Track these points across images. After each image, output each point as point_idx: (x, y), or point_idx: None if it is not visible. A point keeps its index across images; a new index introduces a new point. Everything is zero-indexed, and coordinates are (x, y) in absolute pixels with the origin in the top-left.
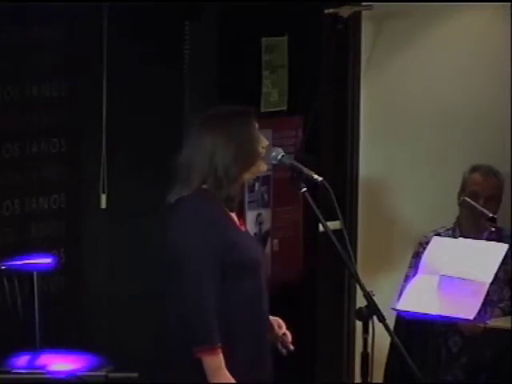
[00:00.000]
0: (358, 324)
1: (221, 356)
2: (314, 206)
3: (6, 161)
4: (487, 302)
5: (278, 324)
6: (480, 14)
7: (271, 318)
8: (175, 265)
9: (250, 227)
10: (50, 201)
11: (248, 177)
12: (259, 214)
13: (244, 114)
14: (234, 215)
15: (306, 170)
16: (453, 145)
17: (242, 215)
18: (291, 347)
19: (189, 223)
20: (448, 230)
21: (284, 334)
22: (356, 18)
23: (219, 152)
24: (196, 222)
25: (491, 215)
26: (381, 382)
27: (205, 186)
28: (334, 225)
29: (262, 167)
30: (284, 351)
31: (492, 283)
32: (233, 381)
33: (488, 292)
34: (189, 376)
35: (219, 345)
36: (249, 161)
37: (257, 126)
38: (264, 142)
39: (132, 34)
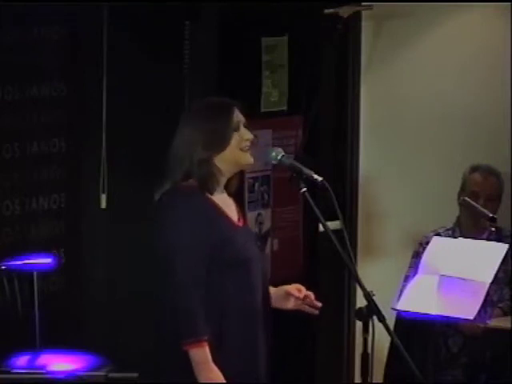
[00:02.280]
0: (358, 324)
1: (207, 350)
2: (314, 206)
3: (6, 161)
4: (487, 302)
5: (297, 288)
6: (480, 14)
7: (288, 286)
8: (163, 260)
9: (250, 227)
10: (50, 201)
11: (228, 168)
12: (259, 214)
13: (220, 105)
14: (226, 207)
15: (306, 170)
16: (453, 145)
17: (242, 210)
18: (319, 304)
19: (173, 219)
20: (448, 229)
21: (306, 296)
22: (356, 18)
23: (190, 137)
24: (180, 218)
25: (491, 215)
26: (381, 382)
27: (189, 180)
28: (333, 225)
29: (245, 159)
30: (313, 310)
31: (492, 283)
32: (220, 375)
33: (488, 292)
34: (185, 371)
35: (205, 338)
36: (216, 143)
37: (239, 117)
38: (247, 135)
39: (132, 34)
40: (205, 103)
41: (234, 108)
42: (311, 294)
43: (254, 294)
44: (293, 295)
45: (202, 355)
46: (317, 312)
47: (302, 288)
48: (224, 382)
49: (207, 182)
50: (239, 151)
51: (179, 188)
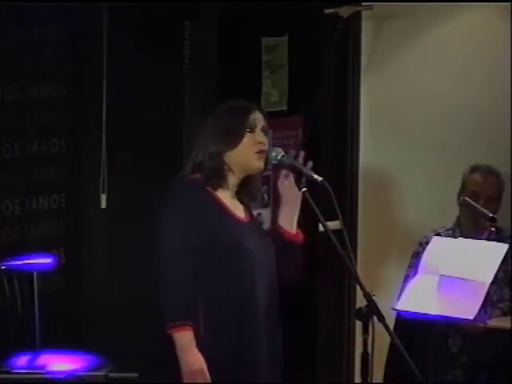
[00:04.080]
0: (358, 324)
1: (190, 334)
2: (314, 206)
3: (6, 161)
4: (487, 302)
5: None
6: (480, 14)
7: None
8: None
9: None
10: (50, 201)
11: (238, 167)
12: (259, 214)
13: (239, 106)
14: (229, 203)
15: (306, 170)
16: (453, 145)
17: (250, 210)
18: None
19: (171, 207)
20: (448, 230)
21: None
22: (356, 18)
23: (206, 132)
24: (177, 206)
25: (491, 215)
26: (381, 382)
27: (196, 174)
28: (333, 225)
29: (255, 163)
30: None
31: (492, 283)
32: (201, 361)
33: (488, 292)
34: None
35: (190, 323)
36: (228, 139)
37: (257, 120)
38: (261, 138)
39: (132, 34)
40: (226, 104)
41: (252, 110)
42: None
43: (249, 286)
44: None
45: (184, 339)
46: None
47: None
48: (204, 367)
49: (214, 175)
50: (252, 153)
51: (184, 179)
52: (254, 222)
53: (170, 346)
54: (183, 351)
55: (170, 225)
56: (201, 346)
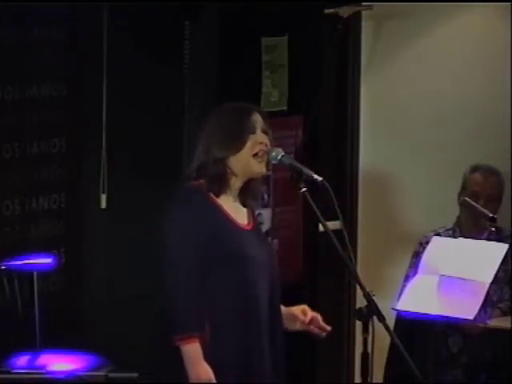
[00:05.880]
0: (358, 324)
1: (197, 346)
2: (314, 206)
3: (6, 161)
4: (487, 302)
5: (303, 311)
6: (480, 14)
7: (294, 308)
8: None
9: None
10: (50, 201)
11: (241, 171)
12: (259, 214)
13: (239, 108)
14: (232, 209)
15: (305, 170)
16: (453, 145)
17: (254, 216)
18: (327, 327)
19: (172, 216)
20: (448, 230)
21: (312, 318)
22: (356, 18)
23: (208, 137)
24: (178, 215)
25: (491, 215)
26: (381, 382)
27: (200, 180)
28: (334, 225)
29: (256, 167)
30: (322, 334)
31: (492, 283)
32: (209, 371)
33: (488, 292)
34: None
35: (197, 334)
36: (231, 144)
37: (258, 121)
38: (262, 139)
39: (132, 34)
40: (226, 106)
41: (252, 111)
42: (317, 317)
43: (249, 289)
44: (298, 318)
45: (192, 351)
46: (324, 335)
47: (308, 311)
48: (212, 378)
49: (217, 181)
50: (252, 158)
51: (186, 185)
52: (256, 227)
53: (170, 345)
54: (191, 363)
55: (173, 232)
56: (205, 353)
